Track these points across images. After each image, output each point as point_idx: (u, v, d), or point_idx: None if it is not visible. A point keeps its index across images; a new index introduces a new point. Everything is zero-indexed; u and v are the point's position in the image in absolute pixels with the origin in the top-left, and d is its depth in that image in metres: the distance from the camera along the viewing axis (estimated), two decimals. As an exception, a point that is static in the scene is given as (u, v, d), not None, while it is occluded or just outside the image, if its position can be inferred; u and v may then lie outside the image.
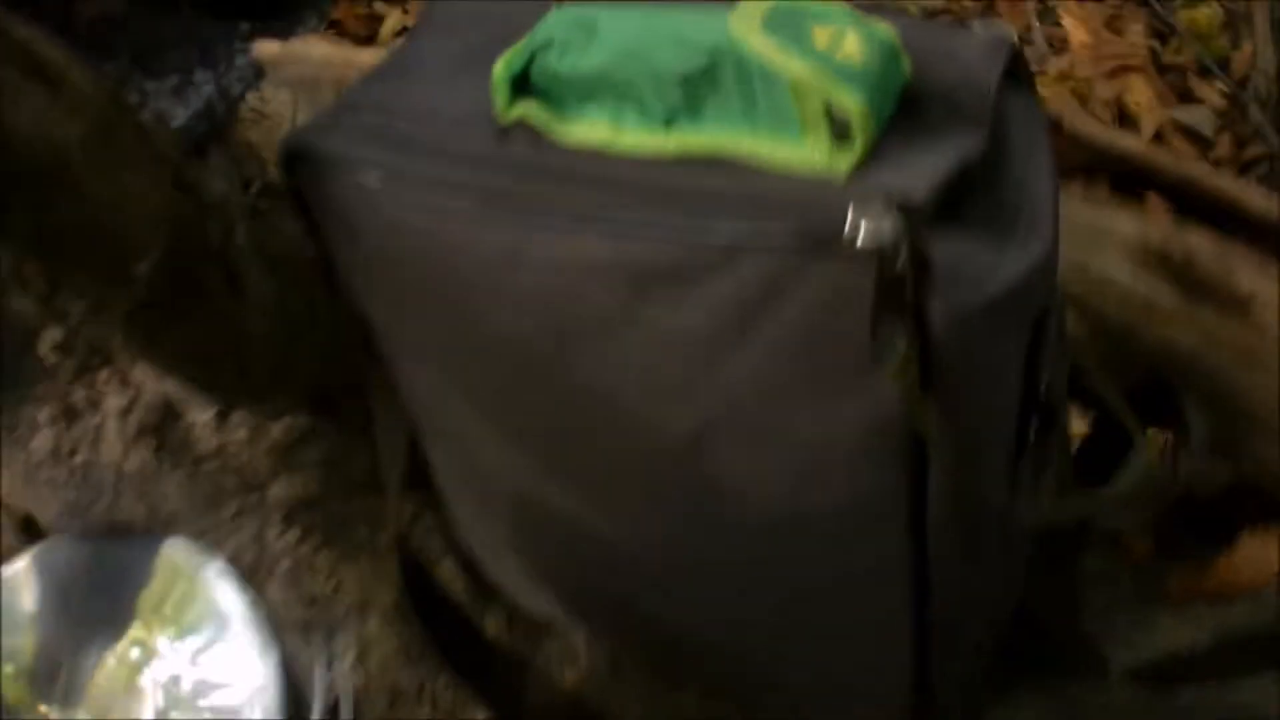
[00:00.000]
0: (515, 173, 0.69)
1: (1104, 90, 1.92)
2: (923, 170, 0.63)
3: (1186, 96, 1.95)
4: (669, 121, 0.68)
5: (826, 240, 0.61)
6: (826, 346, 0.66)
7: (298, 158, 0.75)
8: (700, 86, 0.66)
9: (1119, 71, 1.95)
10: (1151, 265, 1.00)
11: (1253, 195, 1.08)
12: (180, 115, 1.12)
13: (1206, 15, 2.03)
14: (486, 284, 0.72)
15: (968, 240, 0.64)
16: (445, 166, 0.71)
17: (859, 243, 0.60)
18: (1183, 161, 1.12)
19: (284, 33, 1.21)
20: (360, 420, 0.98)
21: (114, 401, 1.01)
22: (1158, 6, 2.07)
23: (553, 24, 0.70)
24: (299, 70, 1.05)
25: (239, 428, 1.01)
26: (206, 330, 0.90)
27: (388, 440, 0.95)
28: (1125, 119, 1.91)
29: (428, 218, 0.72)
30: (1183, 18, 2.04)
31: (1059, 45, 2.03)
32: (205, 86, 1.13)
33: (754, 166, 0.66)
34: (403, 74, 0.79)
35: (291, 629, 0.99)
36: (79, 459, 1.02)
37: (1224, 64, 1.99)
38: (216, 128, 1.14)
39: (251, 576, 1.01)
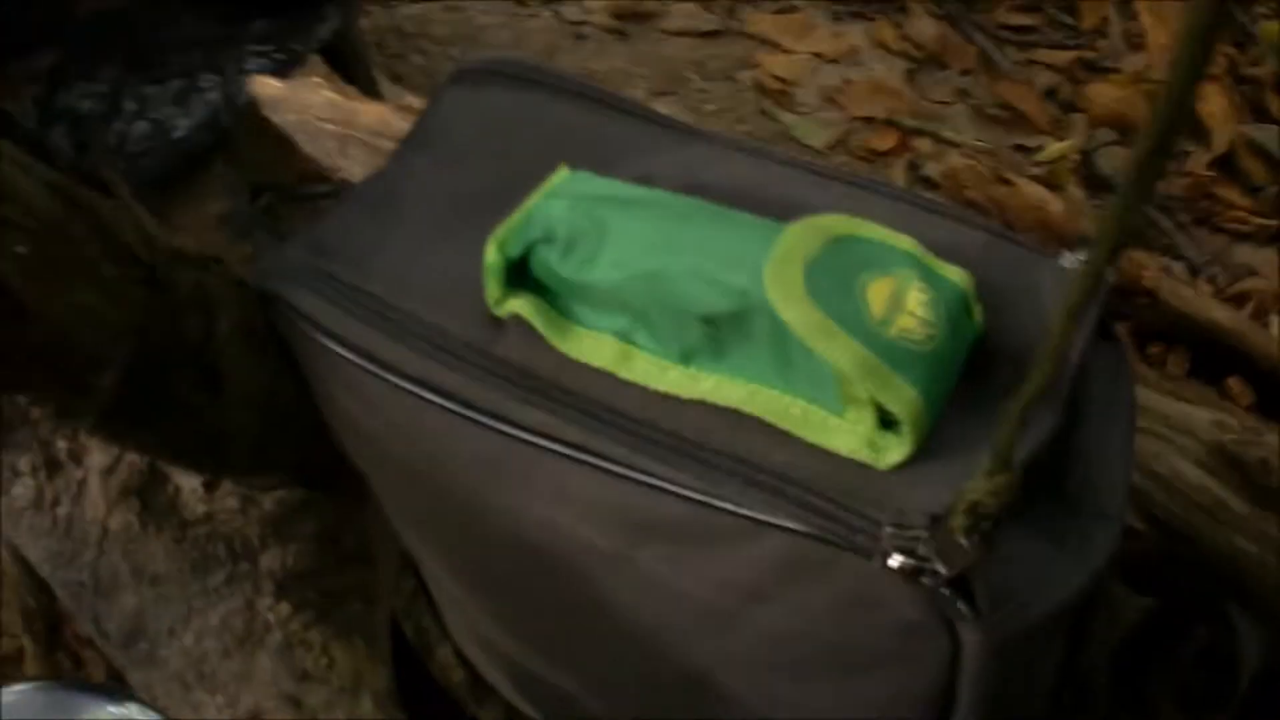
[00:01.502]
0: (505, 381, 0.59)
1: None
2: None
3: (1261, 112, 1.85)
4: (687, 357, 0.58)
5: (855, 545, 0.52)
6: (845, 637, 0.56)
7: (270, 301, 0.67)
8: (726, 330, 0.57)
9: None
10: (1224, 467, 0.91)
11: None
12: (182, 125, 1.03)
13: None
14: (465, 488, 0.63)
15: (1020, 549, 0.54)
16: (427, 357, 0.61)
17: (890, 560, 0.51)
18: (1274, 344, 1.01)
19: (303, 33, 1.10)
20: (356, 492, 0.91)
21: (97, 458, 0.95)
22: (1240, 14, 1.97)
23: (557, 213, 0.60)
24: (300, 117, 0.95)
25: (228, 496, 0.95)
26: (180, 430, 0.82)
27: (383, 517, 0.88)
28: (1199, 129, 1.81)
29: (406, 410, 0.62)
30: (1264, 30, 1.93)
31: (1135, 42, 1.93)
32: (210, 93, 1.03)
33: (782, 430, 0.56)
34: (385, 212, 0.69)
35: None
36: (62, 510, 0.97)
37: None
38: (222, 139, 1.04)
39: (241, 645, 0.96)
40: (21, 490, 0.96)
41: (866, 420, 0.54)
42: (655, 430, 0.57)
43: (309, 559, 0.96)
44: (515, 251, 0.60)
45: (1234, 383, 1.06)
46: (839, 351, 0.53)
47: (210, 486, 0.95)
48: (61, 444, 0.95)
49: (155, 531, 0.95)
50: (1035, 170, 1.70)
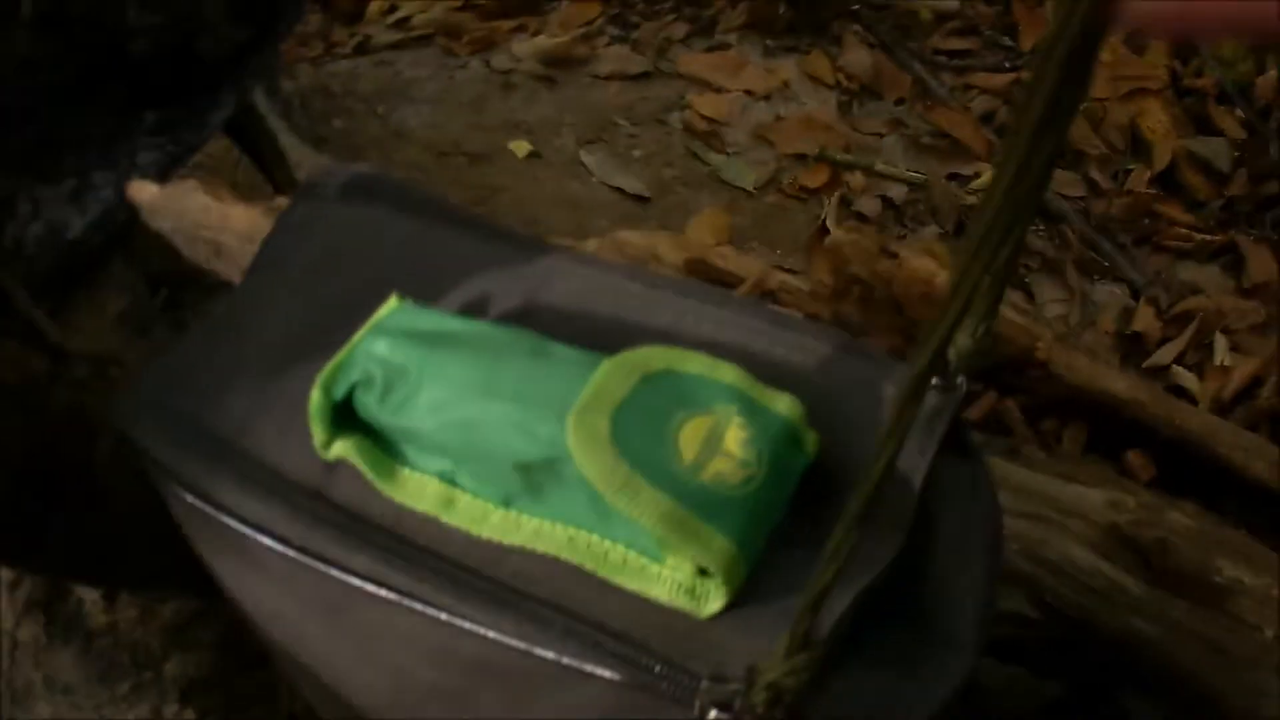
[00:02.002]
0: (336, 528, 0.59)
1: (1118, 114, 1.82)
2: None
3: (1204, 124, 1.84)
4: (508, 500, 0.57)
5: (673, 696, 0.51)
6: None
7: (123, 440, 0.66)
8: (540, 476, 0.55)
9: (1136, 94, 1.84)
10: (1119, 549, 0.89)
11: (1254, 461, 0.96)
12: (76, 225, 1.02)
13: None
14: (310, 626, 0.63)
15: (860, 682, 0.53)
16: (263, 502, 0.60)
17: (710, 716, 0.50)
18: (1177, 412, 0.99)
19: (196, 123, 1.09)
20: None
21: (3, 572, 0.96)
22: None
23: (378, 352, 0.59)
24: (175, 223, 0.95)
25: (129, 607, 0.96)
26: (69, 549, 0.82)
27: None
28: (1139, 144, 1.80)
29: (244, 553, 0.62)
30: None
31: None
32: (104, 190, 1.02)
33: (602, 577, 0.55)
34: (230, 343, 0.68)
35: None
36: None
37: (1247, 91, 1.87)
38: (117, 236, 1.03)
39: (151, 753, 0.97)
40: (-75, 596, 0.97)
41: (685, 568, 0.53)
42: (477, 578, 0.56)
43: (210, 665, 0.97)
44: (339, 394, 0.60)
45: (1134, 456, 1.03)
46: (643, 508, 0.52)
47: (110, 598, 0.95)
48: (-34, 556, 0.96)
49: (62, 642, 0.96)
50: (972, 198, 1.69)
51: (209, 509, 0.62)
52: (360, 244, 0.70)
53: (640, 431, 0.53)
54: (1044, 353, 0.97)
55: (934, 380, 0.59)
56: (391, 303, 0.63)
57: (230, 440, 0.63)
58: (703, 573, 0.53)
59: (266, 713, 0.97)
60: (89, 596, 0.95)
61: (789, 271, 0.98)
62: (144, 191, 0.96)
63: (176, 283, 1.06)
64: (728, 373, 0.57)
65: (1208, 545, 0.90)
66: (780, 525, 0.56)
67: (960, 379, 0.59)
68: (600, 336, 0.60)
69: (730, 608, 0.53)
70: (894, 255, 0.94)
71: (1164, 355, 1.56)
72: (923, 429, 0.58)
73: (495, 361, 0.58)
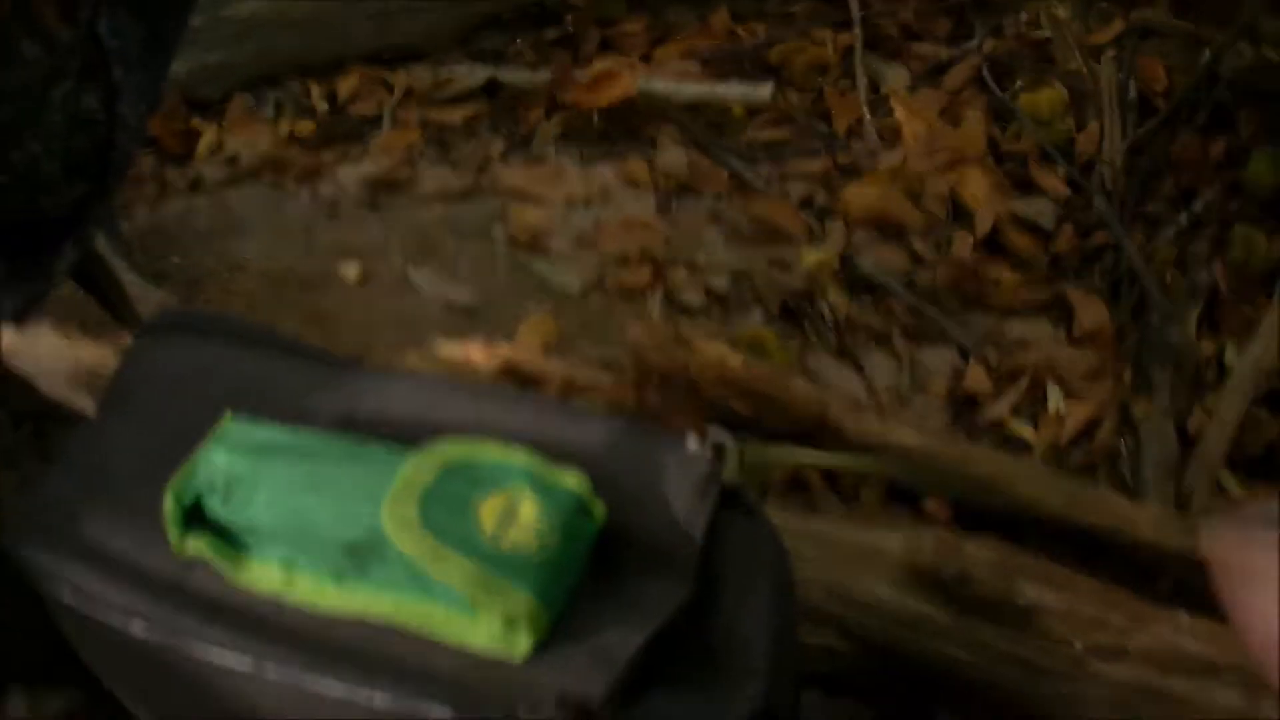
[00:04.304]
0: (194, 612, 0.68)
1: (937, 185, 1.88)
2: (610, 649, 0.62)
3: (1027, 185, 1.92)
4: (339, 578, 0.66)
5: None
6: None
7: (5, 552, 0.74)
8: (365, 555, 0.65)
9: (955, 163, 1.91)
10: (921, 584, 0.98)
11: (1049, 495, 1.05)
12: (-68, 376, 1.09)
13: (1049, 97, 2.00)
14: (182, 696, 0.71)
15: (663, 706, 0.63)
16: (127, 591, 0.69)
17: None
18: (971, 457, 1.09)
19: (44, 272, 1.17)
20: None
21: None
22: (997, 91, 2.04)
23: (219, 462, 0.69)
24: (32, 364, 1.03)
25: (19, 704, 1.00)
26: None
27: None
28: (960, 213, 1.87)
29: (119, 642, 0.70)
30: (1024, 101, 2.01)
31: (891, 138, 1.99)
32: (-37, 339, 1.09)
33: (426, 636, 0.64)
34: (93, 469, 0.77)
35: None
36: None
37: (1068, 147, 1.95)
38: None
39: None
40: None
41: (495, 621, 0.63)
42: (321, 645, 0.65)
43: None
44: (188, 500, 0.69)
45: (930, 502, 1.10)
46: (453, 573, 0.62)
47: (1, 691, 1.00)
48: None
49: (-50, 742, 1.00)
50: (796, 283, 1.76)
51: (84, 603, 0.70)
52: (198, 374, 0.79)
53: (445, 511, 0.64)
54: (835, 419, 1.05)
55: (705, 453, 0.70)
56: (226, 420, 0.72)
57: (98, 547, 0.72)
58: (511, 623, 0.63)
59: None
60: None
61: (595, 369, 1.08)
62: (2, 338, 1.04)
63: (39, 417, 1.12)
64: (519, 456, 0.68)
65: (1008, 572, 0.98)
66: (579, 582, 0.66)
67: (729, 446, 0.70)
68: (409, 435, 0.70)
69: (541, 651, 0.63)
70: (687, 343, 1.03)
71: (998, 409, 1.62)
72: (699, 493, 0.70)
73: (318, 463, 0.68)
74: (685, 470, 0.70)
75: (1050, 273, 1.81)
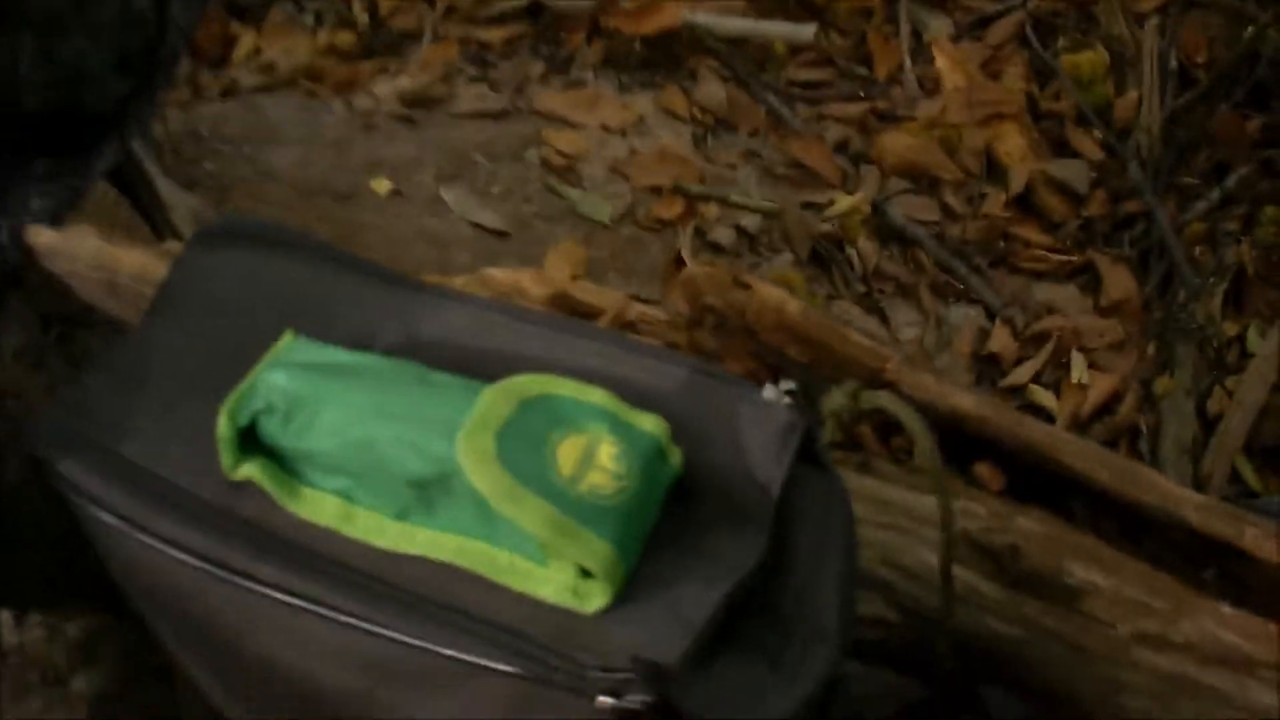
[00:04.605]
0: (243, 541, 0.65)
1: (974, 138, 1.86)
2: (686, 607, 0.60)
3: (1062, 147, 1.89)
4: (402, 515, 0.64)
5: (564, 685, 0.58)
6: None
7: (39, 464, 0.72)
8: (433, 490, 0.63)
9: (993, 118, 1.88)
10: (973, 555, 0.94)
11: (1098, 469, 1.01)
12: (-29, 268, 1.08)
13: (1090, 60, 1.96)
14: (222, 635, 0.69)
15: (731, 673, 0.60)
16: (174, 519, 0.67)
17: (598, 701, 0.57)
18: (1023, 424, 1.04)
19: (82, 169, 1.16)
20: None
21: (-88, 596, 0.99)
22: (1039, 49, 2.01)
23: (278, 383, 0.66)
24: (70, 264, 1.02)
25: (36, 627, 1.00)
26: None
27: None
28: (995, 169, 1.85)
29: (160, 569, 0.68)
30: (1065, 62, 1.97)
31: (931, 87, 1.96)
32: (-1, 237, 1.08)
33: (492, 580, 0.62)
34: (137, 378, 0.74)
35: None
36: None
37: (1105, 112, 1.92)
38: (11, 277, 1.09)
39: (63, 768, 1.01)
40: None
41: (567, 570, 0.60)
42: (377, 583, 0.63)
43: (116, 680, 1.01)
44: (243, 421, 0.66)
45: (983, 469, 1.06)
46: (528, 515, 0.59)
47: (19, 619, 0.99)
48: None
49: (-27, 663, 0.99)
50: (826, 226, 1.75)
51: (126, 528, 0.68)
52: (254, 287, 0.76)
53: (522, 449, 0.61)
54: (892, 374, 1.02)
55: (786, 399, 0.68)
56: (287, 339, 0.70)
57: (143, 466, 0.69)
58: (585, 574, 0.60)
59: (173, 724, 1.02)
60: (3, 617, 0.99)
61: (647, 303, 1.06)
62: (40, 236, 1.03)
63: (69, 321, 1.11)
64: (597, 395, 0.65)
65: (1058, 549, 0.96)
66: (653, 531, 0.63)
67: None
68: (476, 365, 0.68)
69: (614, 605, 0.61)
70: (746, 285, 1.01)
71: (1021, 374, 1.61)
72: (778, 442, 0.67)
73: (386, 389, 0.65)
74: (763, 418, 0.67)
75: (1080, 236, 1.79)
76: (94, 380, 0.75)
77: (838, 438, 0.70)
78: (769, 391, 0.68)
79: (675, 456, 0.64)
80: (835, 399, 0.71)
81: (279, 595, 0.64)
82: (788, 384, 0.68)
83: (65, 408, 0.74)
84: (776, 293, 1.01)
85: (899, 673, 0.99)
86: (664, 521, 0.63)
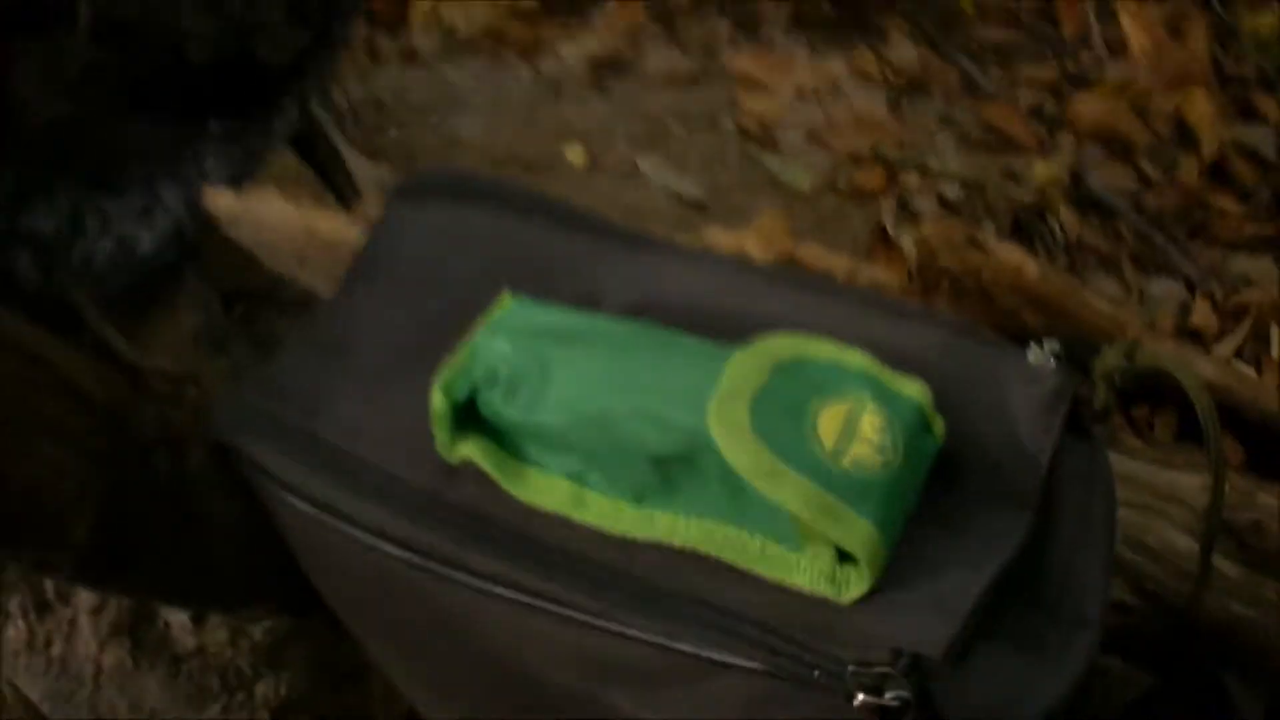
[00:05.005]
0: (462, 530, 0.58)
1: (1163, 102, 1.78)
2: (949, 594, 0.53)
3: (1248, 111, 1.81)
4: (639, 498, 0.57)
5: (818, 683, 0.51)
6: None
7: (227, 450, 0.65)
8: (677, 469, 0.55)
9: (1180, 82, 1.80)
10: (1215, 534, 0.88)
11: None
12: (147, 240, 1.00)
13: (1270, 22, 1.88)
14: (433, 633, 0.63)
15: (994, 663, 0.53)
16: (383, 507, 0.60)
17: (857, 700, 0.50)
18: (1262, 396, 0.99)
19: (262, 130, 1.08)
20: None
21: (86, 597, 0.95)
22: (1220, 10, 1.92)
23: (500, 351, 0.58)
24: (254, 233, 0.94)
25: (218, 629, 0.96)
26: (159, 570, 0.81)
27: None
28: (1184, 135, 1.76)
29: (366, 559, 0.61)
30: (1245, 24, 1.89)
31: (1117, 49, 1.87)
32: (173, 204, 1.01)
33: (740, 568, 0.55)
34: (334, 352, 0.67)
35: None
36: (55, 650, 0.97)
37: None
38: (188, 251, 1.02)
39: (242, 776, 0.96)
40: (14, 633, 0.96)
41: (825, 555, 0.53)
42: (611, 575, 0.56)
43: (302, 685, 0.96)
44: (461, 395, 0.59)
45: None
46: (788, 493, 0.52)
47: (199, 620, 0.94)
48: (49, 583, 0.95)
49: (149, 667, 0.95)
50: (1027, 197, 1.66)
51: (326, 517, 0.62)
52: (462, 244, 0.69)
53: (780, 420, 0.53)
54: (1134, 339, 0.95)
55: (1053, 361, 0.60)
56: (506, 301, 0.62)
57: (342, 448, 0.63)
58: (843, 558, 0.53)
59: (361, 731, 0.96)
60: (176, 619, 0.94)
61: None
62: (221, 199, 0.95)
63: (250, 298, 1.04)
64: (857, 359, 0.57)
65: None
66: (914, 509, 0.56)
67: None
68: (719, 328, 0.60)
69: (871, 594, 0.53)
70: (982, 247, 0.93)
71: (1223, 349, 1.52)
72: (1046, 409, 0.59)
73: (624, 355, 0.58)
74: (1030, 382, 0.60)
75: (1271, 205, 1.71)
76: (286, 356, 0.69)
77: (1110, 403, 0.60)
78: (1034, 353, 0.61)
79: (938, 426, 0.57)
80: (1109, 359, 0.62)
81: (501, 590, 0.58)
82: (1053, 344, 0.61)
83: (255, 388, 0.67)
84: (1016, 253, 0.95)
85: (1125, 661, 0.92)
86: (924, 498, 0.56)
